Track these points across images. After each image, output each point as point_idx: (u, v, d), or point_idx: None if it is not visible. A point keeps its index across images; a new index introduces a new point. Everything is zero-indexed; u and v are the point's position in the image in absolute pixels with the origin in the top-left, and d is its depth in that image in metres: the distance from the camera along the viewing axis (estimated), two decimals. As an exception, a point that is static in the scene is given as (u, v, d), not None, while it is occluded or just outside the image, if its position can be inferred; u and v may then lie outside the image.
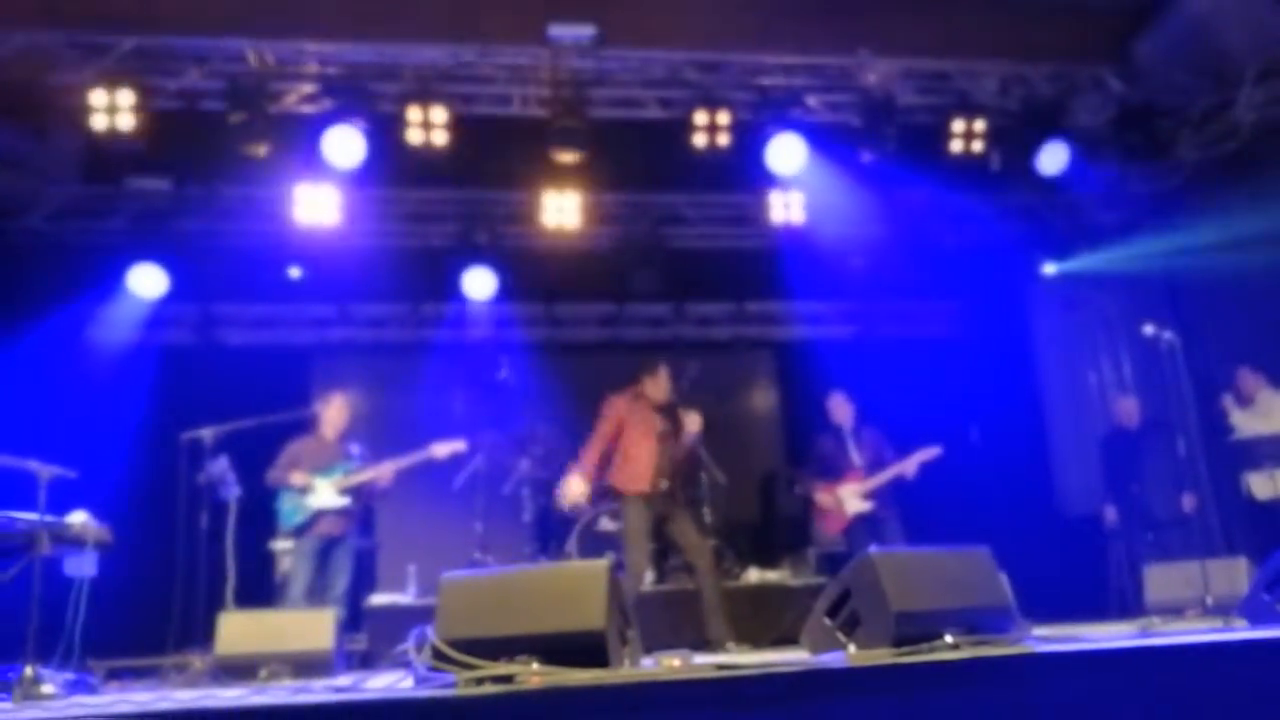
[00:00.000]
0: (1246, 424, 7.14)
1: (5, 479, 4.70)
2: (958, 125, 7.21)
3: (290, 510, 6.42)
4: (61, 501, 5.00)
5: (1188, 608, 5.34)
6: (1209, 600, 5.21)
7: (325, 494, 6.42)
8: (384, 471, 6.55)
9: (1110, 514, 7.74)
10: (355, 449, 6.69)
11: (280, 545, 6.95)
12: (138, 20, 6.32)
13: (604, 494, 7.94)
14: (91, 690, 4.66)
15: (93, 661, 5.58)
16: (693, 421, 6.19)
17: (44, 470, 4.67)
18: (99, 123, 6.40)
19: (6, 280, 7.65)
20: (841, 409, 7.24)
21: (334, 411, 6.68)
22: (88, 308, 8.66)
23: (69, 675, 4.63)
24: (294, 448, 6.55)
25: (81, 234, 8.16)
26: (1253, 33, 6.82)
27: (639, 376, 6.32)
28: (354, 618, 6.69)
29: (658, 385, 6.26)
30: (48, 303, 7.93)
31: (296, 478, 6.39)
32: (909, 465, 6.96)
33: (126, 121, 6.40)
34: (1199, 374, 7.60)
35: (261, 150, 6.69)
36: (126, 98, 6.36)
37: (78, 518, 5.29)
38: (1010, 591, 3.98)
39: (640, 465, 6.10)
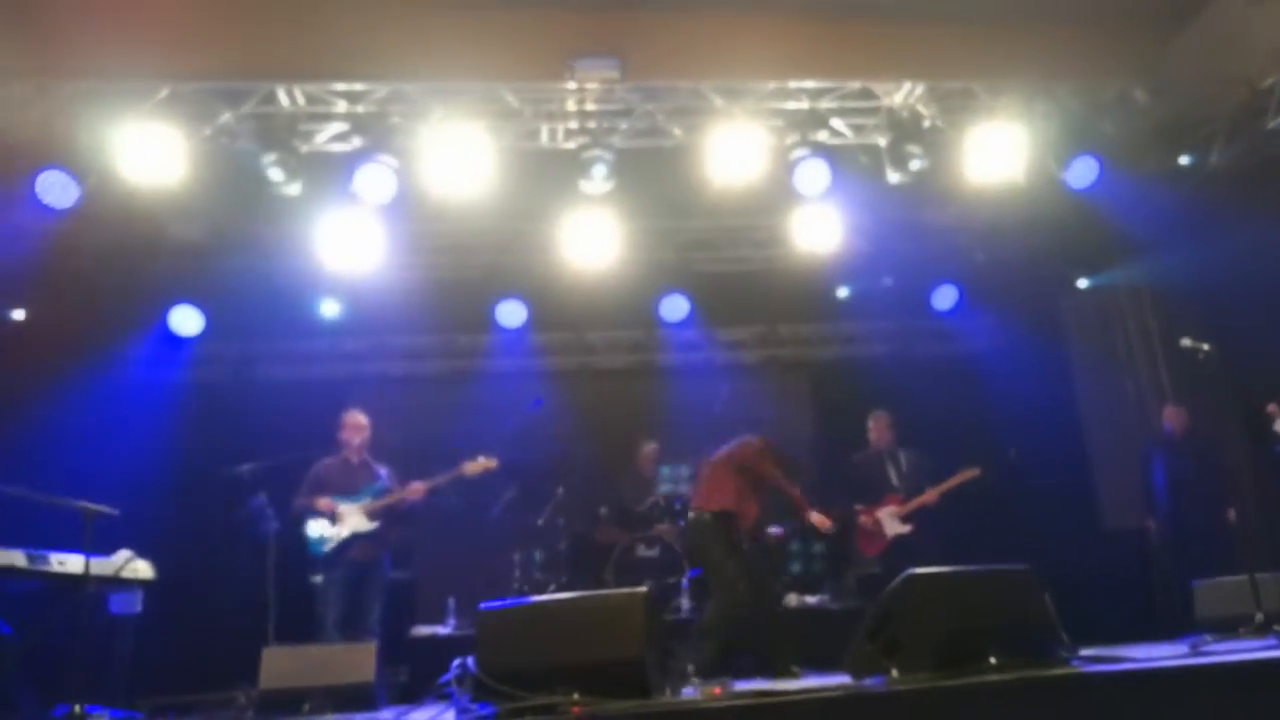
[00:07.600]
0: (1291, 434, 7.00)
1: (51, 519, 4.79)
2: (984, 141, 7.16)
3: (318, 538, 6.28)
4: (106, 540, 5.09)
5: (1239, 624, 5.22)
6: (1259, 616, 5.09)
7: (354, 519, 6.32)
8: (414, 490, 6.41)
9: (1152, 526, 7.62)
10: (383, 470, 6.59)
11: (321, 579, 6.95)
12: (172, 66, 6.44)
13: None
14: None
15: (139, 699, 5.62)
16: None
17: (88, 509, 4.75)
18: (137, 168, 6.48)
19: (51, 322, 7.78)
20: (881, 429, 7.19)
21: (349, 430, 6.52)
22: (129, 348, 8.82)
23: (116, 712, 4.68)
24: (318, 471, 6.44)
25: (123, 276, 8.29)
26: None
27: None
28: (395, 649, 6.68)
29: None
30: (90, 344, 8.07)
31: (323, 503, 6.27)
32: (940, 490, 6.89)
33: (165, 166, 6.47)
34: (1241, 385, 7.47)
35: (294, 189, 6.80)
36: (164, 143, 6.43)
37: (122, 556, 5.38)
38: (1054, 610, 3.93)
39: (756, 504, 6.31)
